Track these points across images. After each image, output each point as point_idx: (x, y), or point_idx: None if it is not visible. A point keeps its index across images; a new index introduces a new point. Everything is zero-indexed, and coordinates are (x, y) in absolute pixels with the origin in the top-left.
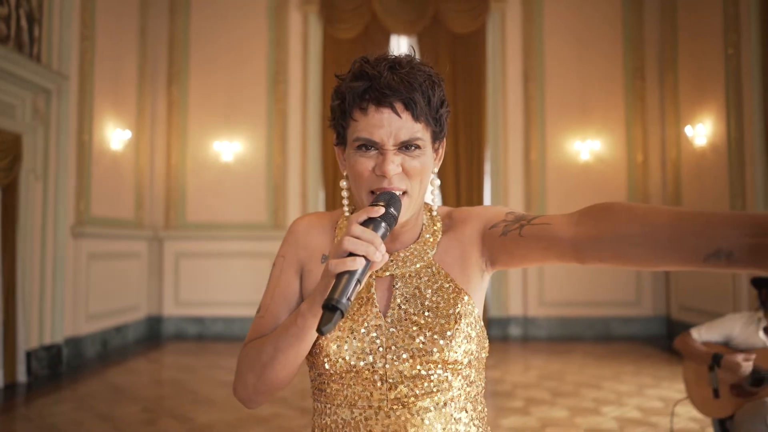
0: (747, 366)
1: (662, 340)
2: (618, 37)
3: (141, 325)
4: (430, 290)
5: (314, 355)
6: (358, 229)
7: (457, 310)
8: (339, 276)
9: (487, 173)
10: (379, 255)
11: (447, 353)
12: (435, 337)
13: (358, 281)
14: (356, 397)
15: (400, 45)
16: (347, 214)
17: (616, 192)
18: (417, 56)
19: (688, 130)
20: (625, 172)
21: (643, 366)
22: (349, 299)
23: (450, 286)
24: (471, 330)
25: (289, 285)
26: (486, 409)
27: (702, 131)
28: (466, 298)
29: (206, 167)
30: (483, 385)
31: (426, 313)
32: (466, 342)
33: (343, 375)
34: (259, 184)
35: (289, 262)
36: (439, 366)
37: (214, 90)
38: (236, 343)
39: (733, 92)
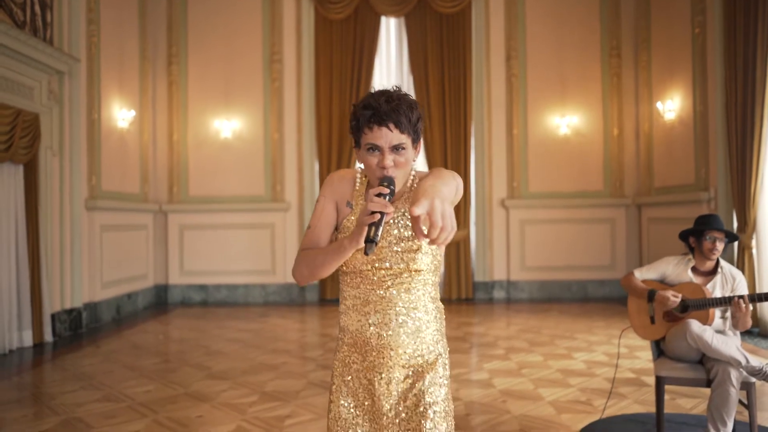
0: (674, 300)
1: None
2: (595, 18)
3: (149, 292)
4: (403, 228)
5: None
6: (376, 198)
7: (418, 242)
8: (369, 225)
9: (473, 147)
10: (390, 209)
11: (413, 264)
12: (405, 255)
13: (381, 225)
14: (359, 282)
15: (390, 25)
16: (358, 175)
17: (593, 163)
18: (402, 89)
19: (659, 105)
20: (602, 145)
21: (613, 321)
22: (378, 236)
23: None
24: (427, 252)
25: (330, 213)
26: (438, 295)
27: (671, 106)
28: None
29: (206, 144)
30: (436, 279)
31: (401, 243)
32: (425, 257)
33: (354, 272)
34: (258, 159)
35: (329, 199)
36: (407, 269)
37: (213, 70)
38: (239, 308)
39: (699, 70)
